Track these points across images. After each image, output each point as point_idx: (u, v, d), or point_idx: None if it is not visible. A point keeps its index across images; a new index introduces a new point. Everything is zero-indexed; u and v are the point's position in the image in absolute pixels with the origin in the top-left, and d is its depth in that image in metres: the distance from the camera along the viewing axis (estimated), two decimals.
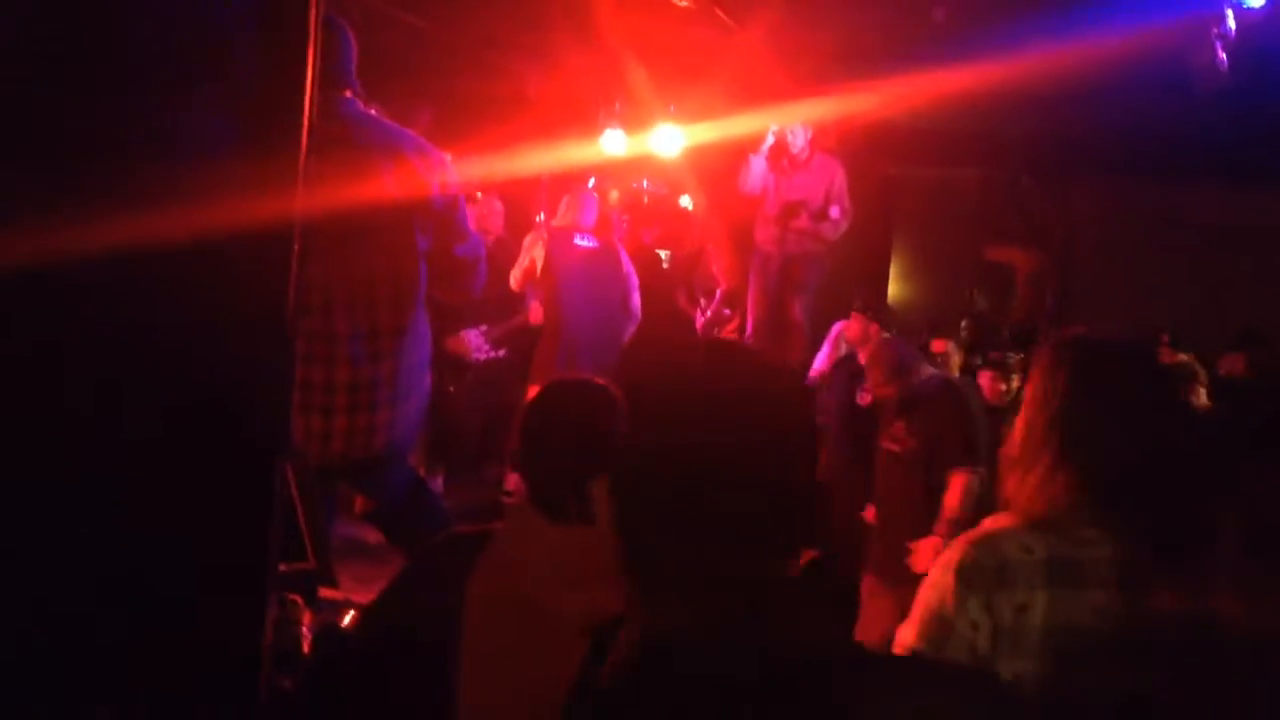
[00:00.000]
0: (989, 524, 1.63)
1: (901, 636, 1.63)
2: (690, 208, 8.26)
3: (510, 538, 1.64)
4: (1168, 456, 1.54)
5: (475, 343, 5.98)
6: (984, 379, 4.95)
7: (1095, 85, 5.55)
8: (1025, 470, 1.59)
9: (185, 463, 1.33)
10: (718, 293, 7.33)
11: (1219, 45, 4.66)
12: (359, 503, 3.20)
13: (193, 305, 1.28)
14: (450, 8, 6.12)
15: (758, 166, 6.38)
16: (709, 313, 7.32)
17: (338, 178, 2.61)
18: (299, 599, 2.00)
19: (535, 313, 5.98)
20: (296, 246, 1.34)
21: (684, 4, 5.58)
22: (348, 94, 2.82)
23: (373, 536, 3.64)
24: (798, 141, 6.29)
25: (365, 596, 1.96)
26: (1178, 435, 1.57)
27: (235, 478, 1.36)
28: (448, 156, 2.99)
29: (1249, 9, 4.17)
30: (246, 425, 1.37)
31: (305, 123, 1.28)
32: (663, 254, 8.21)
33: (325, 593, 2.23)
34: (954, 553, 1.59)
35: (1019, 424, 1.65)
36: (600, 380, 1.75)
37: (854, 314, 5.29)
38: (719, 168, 7.26)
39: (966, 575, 1.55)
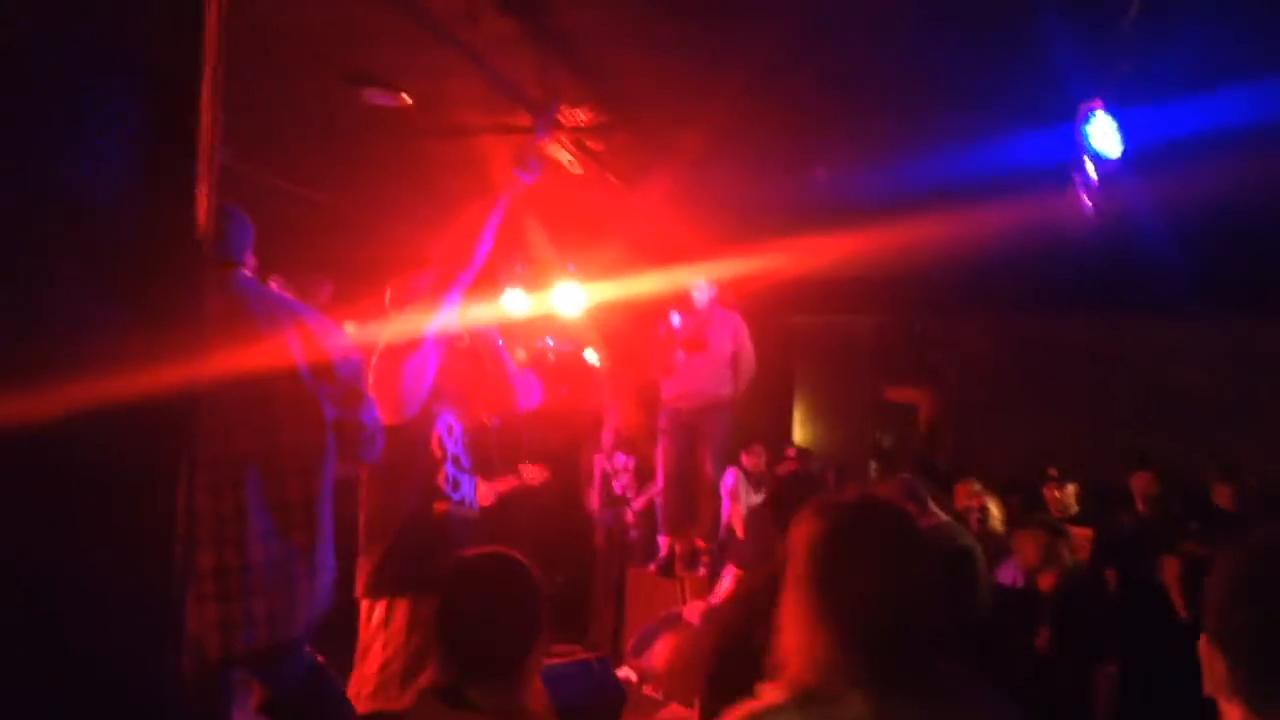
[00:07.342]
0: (761, 698, 1.58)
1: None
2: (595, 364, 8.32)
3: None
4: (921, 601, 1.53)
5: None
6: None
7: (973, 228, 5.84)
8: (786, 631, 1.58)
9: (60, 660, 1.21)
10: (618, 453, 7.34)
11: (1082, 191, 4.97)
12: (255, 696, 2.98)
13: (68, 497, 1.18)
14: (343, 178, 6.18)
15: (676, 320, 6.54)
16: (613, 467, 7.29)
17: (238, 349, 2.55)
18: None
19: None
20: (187, 424, 1.27)
21: (578, 172, 5.73)
22: (244, 270, 2.79)
23: None
24: (701, 296, 6.47)
25: None
26: (928, 579, 1.55)
27: (123, 672, 1.25)
28: (348, 325, 2.95)
29: (1106, 159, 4.47)
30: (133, 619, 1.26)
31: (191, 299, 1.23)
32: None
33: None
34: None
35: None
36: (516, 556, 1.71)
37: None
38: (621, 324, 7.35)
39: None
